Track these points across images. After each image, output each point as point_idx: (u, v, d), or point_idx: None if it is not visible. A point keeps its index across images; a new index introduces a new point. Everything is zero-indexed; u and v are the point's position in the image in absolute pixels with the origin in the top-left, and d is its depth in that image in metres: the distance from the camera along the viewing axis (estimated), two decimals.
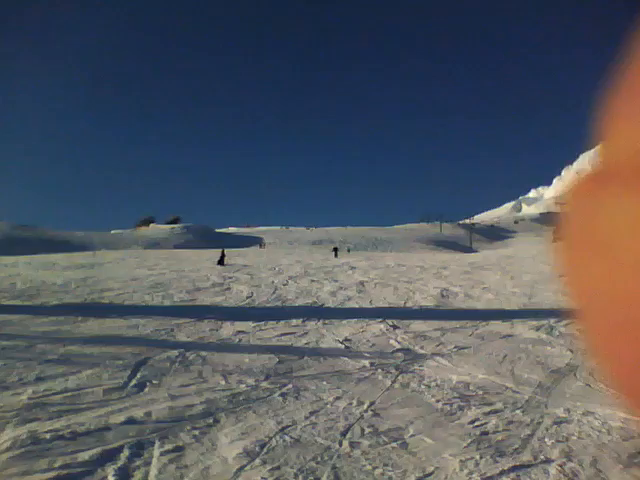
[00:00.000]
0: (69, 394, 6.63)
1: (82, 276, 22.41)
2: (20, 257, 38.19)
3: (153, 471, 4.48)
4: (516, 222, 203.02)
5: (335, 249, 42.90)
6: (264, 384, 7.44)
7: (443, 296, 17.67)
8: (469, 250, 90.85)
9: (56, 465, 4.49)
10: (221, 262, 30.14)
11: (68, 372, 7.64)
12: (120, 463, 4.60)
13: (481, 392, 7.18)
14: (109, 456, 4.74)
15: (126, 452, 4.84)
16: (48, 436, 5.11)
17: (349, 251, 68.39)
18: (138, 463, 4.64)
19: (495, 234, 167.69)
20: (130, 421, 5.68)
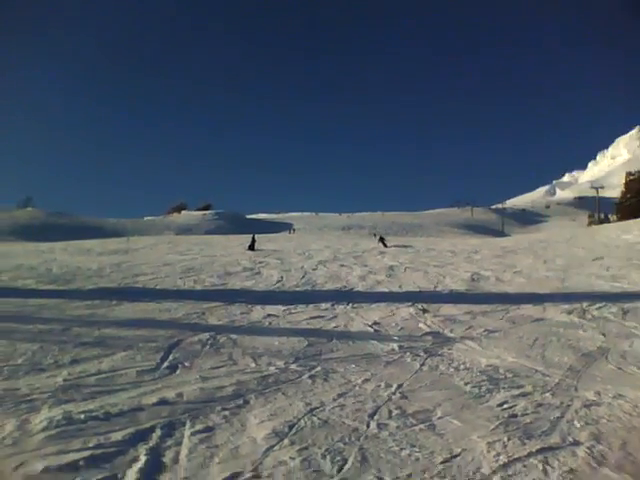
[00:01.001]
0: (103, 376, 6.79)
1: (116, 261, 22.82)
2: (56, 243, 39.03)
3: (184, 451, 4.58)
4: (547, 207, 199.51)
5: (381, 238, 35.24)
6: (293, 366, 7.51)
7: (474, 280, 17.52)
8: (501, 234, 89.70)
9: (90, 445, 4.62)
10: (252, 247, 30.35)
11: (102, 354, 7.83)
12: (152, 443, 4.72)
13: (510, 375, 7.13)
14: (141, 436, 4.85)
15: (158, 432, 4.96)
16: (82, 417, 5.25)
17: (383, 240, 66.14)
18: (169, 443, 4.75)
19: (528, 218, 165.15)
20: (162, 402, 5.80)
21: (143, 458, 4.38)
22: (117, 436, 4.82)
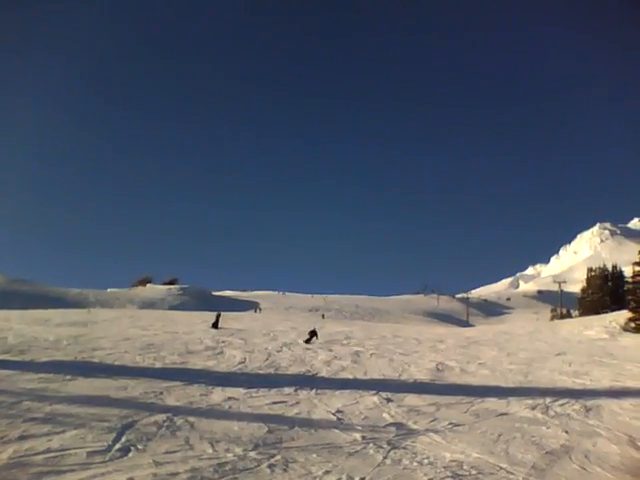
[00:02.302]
0: (51, 455, 6.46)
1: (74, 333, 22.17)
2: (13, 311, 37.88)
3: None
4: (508, 299, 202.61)
5: (313, 332, 29.62)
6: (252, 454, 7.25)
7: (439, 370, 17.44)
8: (465, 324, 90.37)
9: None
10: (216, 325, 29.88)
11: (52, 432, 7.47)
12: None
13: (475, 472, 6.99)
14: None
15: None
16: None
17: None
18: None
19: (492, 309, 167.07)
20: None
21: None
22: None
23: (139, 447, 7.16)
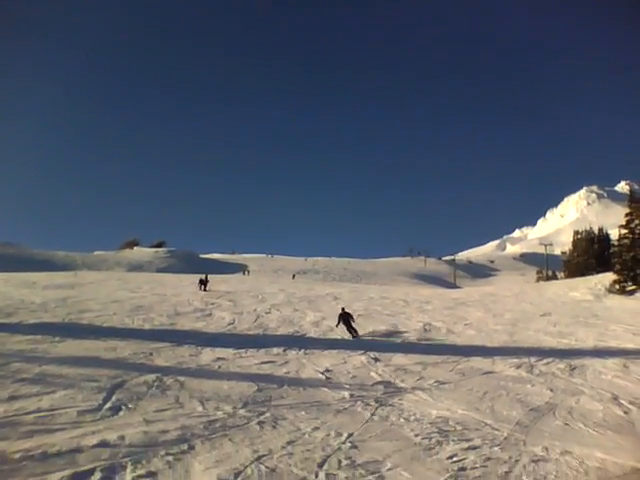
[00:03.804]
0: (42, 414, 6.49)
1: (62, 296, 22.11)
2: None
3: None
4: (492, 261, 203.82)
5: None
6: (242, 412, 7.34)
7: (426, 330, 17.65)
8: (452, 286, 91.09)
9: None
10: (204, 287, 29.91)
11: (42, 392, 7.50)
12: None
13: (460, 427, 7.13)
14: (80, 479, 4.62)
15: (97, 475, 4.74)
16: (18, 456, 4.99)
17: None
18: None
19: (478, 271, 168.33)
20: (103, 444, 5.56)
21: None
22: (54, 478, 4.59)
23: (129, 406, 7.22)
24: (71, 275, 39.14)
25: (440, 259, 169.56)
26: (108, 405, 7.16)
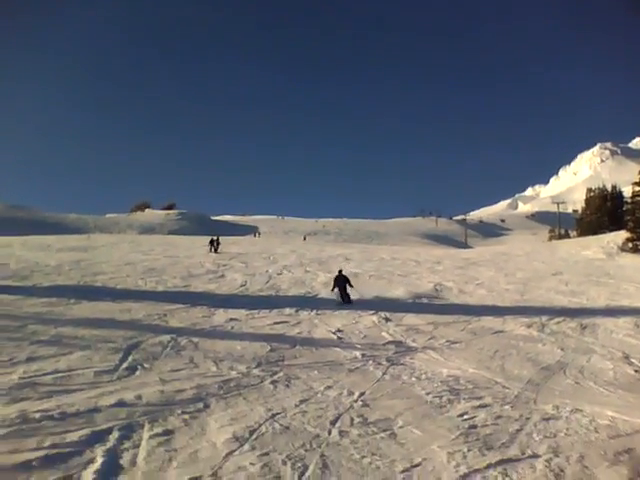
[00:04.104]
0: (60, 375, 6.63)
1: (76, 259, 22.33)
2: (14, 238, 37.99)
3: (142, 453, 4.49)
4: (502, 220, 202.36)
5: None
6: (255, 371, 7.45)
7: (437, 290, 17.69)
8: (463, 246, 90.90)
9: (45, 445, 4.49)
10: (215, 248, 30.06)
11: (59, 353, 7.64)
12: (109, 445, 4.61)
13: (471, 386, 7.21)
14: (98, 437, 4.74)
15: (115, 434, 4.85)
16: (38, 416, 5.11)
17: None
18: (127, 445, 4.65)
19: (490, 231, 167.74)
20: (120, 403, 5.68)
21: (99, 460, 4.29)
22: (73, 437, 4.70)
23: (145, 366, 7.35)
24: (84, 238, 39.45)
25: (451, 219, 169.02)
26: (124, 365, 7.29)
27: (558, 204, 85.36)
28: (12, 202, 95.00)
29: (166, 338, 9.13)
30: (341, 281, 15.50)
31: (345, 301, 14.86)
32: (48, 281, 15.46)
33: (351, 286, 15.50)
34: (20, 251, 25.45)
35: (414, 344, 9.92)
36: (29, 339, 8.40)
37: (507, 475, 4.42)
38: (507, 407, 6.30)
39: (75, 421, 5.08)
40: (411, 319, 12.39)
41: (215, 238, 31.88)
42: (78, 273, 17.64)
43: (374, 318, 12.32)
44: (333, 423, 5.49)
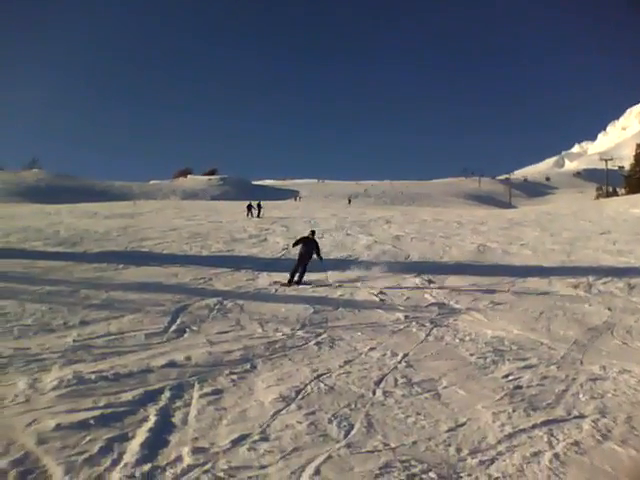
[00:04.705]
0: (112, 337, 6.87)
1: (123, 225, 22.91)
2: (62, 206, 39.15)
3: (193, 412, 4.65)
4: (547, 179, 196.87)
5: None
6: (300, 333, 7.57)
7: (480, 252, 17.52)
8: (508, 206, 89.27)
9: (100, 404, 4.69)
10: (253, 212, 30.41)
11: (111, 317, 7.91)
12: (161, 404, 4.79)
13: (516, 347, 7.17)
14: (151, 397, 4.92)
15: (167, 394, 5.02)
16: (93, 377, 5.32)
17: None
18: (178, 404, 4.81)
19: (535, 190, 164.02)
20: (171, 364, 5.87)
21: (153, 418, 4.45)
22: (127, 396, 4.88)
23: (193, 328, 7.55)
24: (130, 205, 40.37)
25: (495, 178, 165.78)
26: (173, 328, 7.51)
27: (606, 161, 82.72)
28: (60, 171, 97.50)
29: (212, 301, 9.33)
30: (308, 246, 12.30)
31: (294, 281, 11.63)
32: (97, 247, 15.93)
33: (319, 257, 12.39)
34: (69, 219, 26.21)
35: (457, 306, 9.89)
36: (81, 303, 8.71)
37: (553, 435, 4.41)
38: (553, 368, 6.25)
39: (128, 381, 5.28)
40: (454, 281, 12.33)
41: (255, 202, 32.22)
42: (125, 239, 18.12)
43: (416, 280, 12.31)
44: (377, 384, 5.56)
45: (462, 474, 3.66)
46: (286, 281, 11.57)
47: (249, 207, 31.16)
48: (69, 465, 3.58)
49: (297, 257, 12.06)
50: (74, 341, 6.63)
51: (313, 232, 13.13)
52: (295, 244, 12.62)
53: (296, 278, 11.67)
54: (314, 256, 12.18)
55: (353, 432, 4.37)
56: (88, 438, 4.02)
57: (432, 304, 10.02)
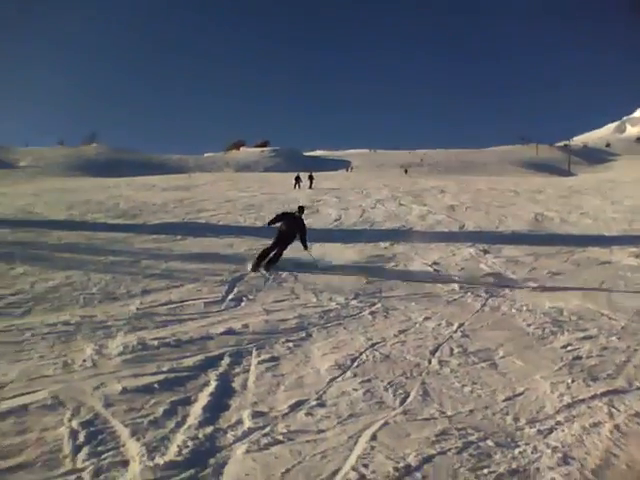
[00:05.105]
0: (173, 306, 7.09)
1: (179, 197, 23.39)
2: (121, 179, 40.23)
3: (252, 378, 4.78)
4: (607, 145, 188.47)
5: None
6: (354, 302, 7.63)
7: (538, 221, 17.11)
8: (567, 174, 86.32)
9: (164, 369, 4.88)
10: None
11: (171, 286, 8.15)
12: (221, 369, 4.94)
13: (575, 318, 7.02)
14: (211, 363, 5.08)
15: (226, 360, 5.17)
16: (155, 343, 5.53)
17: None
18: (238, 370, 4.95)
19: (595, 156, 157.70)
20: (229, 332, 6.03)
21: (213, 383, 4.60)
22: (188, 362, 5.06)
23: (250, 297, 7.71)
24: (185, 177, 41.14)
25: (553, 145, 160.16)
26: (231, 297, 7.69)
27: None
28: (118, 146, 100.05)
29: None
30: (290, 225, 10.14)
31: (262, 264, 9.59)
32: (156, 219, 16.37)
33: (304, 245, 10.19)
34: (128, 191, 26.95)
35: (514, 276, 9.73)
36: (143, 273, 9.00)
37: (613, 406, 4.34)
38: (614, 339, 6.11)
39: (189, 348, 5.46)
40: (510, 250, 12.11)
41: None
42: (182, 211, 18.53)
43: (471, 250, 12.14)
44: (433, 353, 5.57)
45: (520, 443, 3.65)
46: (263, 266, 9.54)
47: (297, 179, 31.27)
48: (135, 427, 3.75)
49: (275, 237, 9.94)
50: (137, 309, 6.88)
51: (301, 208, 10.84)
52: (273, 221, 10.27)
53: (271, 261, 9.69)
54: (297, 241, 10.15)
55: (409, 400, 4.41)
56: (153, 401, 4.19)
57: (488, 274, 9.89)
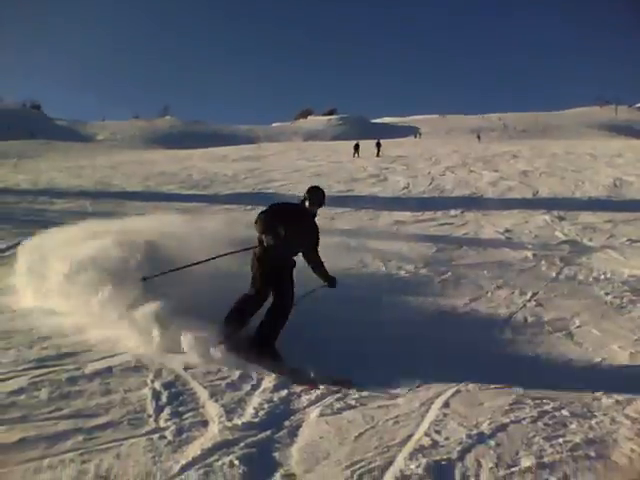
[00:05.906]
0: None
1: (249, 167, 23.70)
2: (194, 151, 41.07)
3: None
4: None
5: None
6: (423, 271, 7.59)
7: (616, 186, 16.34)
8: None
9: None
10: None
11: None
12: None
13: None
14: None
15: None
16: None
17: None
18: None
19: None
20: None
21: None
22: None
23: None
24: (255, 148, 41.61)
25: (633, 107, 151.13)
26: None
27: None
28: (190, 118, 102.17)
29: (335, 240, 9.51)
30: (294, 235, 4.63)
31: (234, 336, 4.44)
32: (227, 189, 16.71)
33: (320, 272, 5.00)
34: (200, 163, 27.50)
35: (591, 243, 9.40)
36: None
37: None
38: None
39: None
40: (587, 217, 11.66)
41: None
42: (252, 181, 18.81)
43: (546, 217, 11.77)
44: (506, 322, 5.50)
45: (597, 413, 3.58)
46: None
47: (356, 147, 30.90)
48: (213, 389, 3.89)
49: (255, 267, 4.63)
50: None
51: (313, 193, 4.91)
52: (265, 228, 4.43)
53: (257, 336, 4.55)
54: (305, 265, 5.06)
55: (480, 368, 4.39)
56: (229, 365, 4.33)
57: (563, 242, 9.59)
